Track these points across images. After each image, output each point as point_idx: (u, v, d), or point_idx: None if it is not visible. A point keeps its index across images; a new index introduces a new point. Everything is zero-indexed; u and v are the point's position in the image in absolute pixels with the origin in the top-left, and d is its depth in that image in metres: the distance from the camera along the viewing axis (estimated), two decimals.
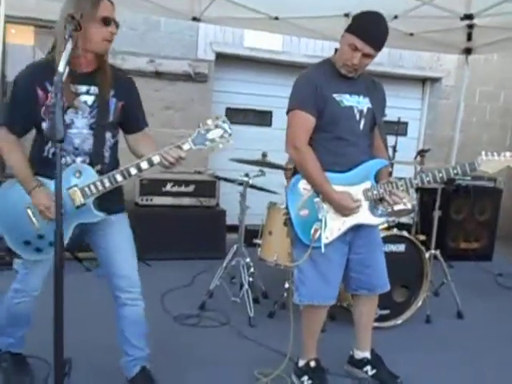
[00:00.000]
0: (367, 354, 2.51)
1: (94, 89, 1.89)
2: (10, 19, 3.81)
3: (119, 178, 1.85)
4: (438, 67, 6.08)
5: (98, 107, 1.88)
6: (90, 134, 1.89)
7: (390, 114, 5.20)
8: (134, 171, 1.85)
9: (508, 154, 2.16)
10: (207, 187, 4.56)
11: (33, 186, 1.85)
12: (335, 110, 2.18)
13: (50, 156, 1.89)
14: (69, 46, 1.53)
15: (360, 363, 2.51)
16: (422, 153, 3.96)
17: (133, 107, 2.01)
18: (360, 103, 2.24)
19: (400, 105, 5.98)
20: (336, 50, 2.26)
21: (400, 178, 2.46)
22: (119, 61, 4.79)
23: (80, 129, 1.87)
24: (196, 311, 3.20)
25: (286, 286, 3.21)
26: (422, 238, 4.00)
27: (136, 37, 4.92)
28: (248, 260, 3.33)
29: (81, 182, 1.85)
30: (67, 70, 1.50)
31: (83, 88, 1.88)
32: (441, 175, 2.16)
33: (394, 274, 3.07)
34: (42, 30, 4.70)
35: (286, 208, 2.24)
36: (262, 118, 5.63)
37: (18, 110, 1.88)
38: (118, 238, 2.03)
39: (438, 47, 4.52)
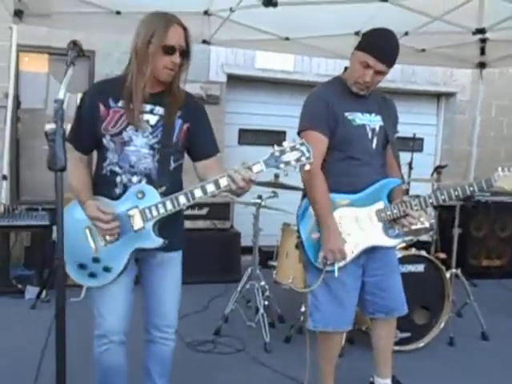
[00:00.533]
0: (388, 382, 2.41)
1: (158, 109, 1.85)
2: (22, 48, 3.90)
3: (182, 200, 1.73)
4: (452, 82, 6.03)
5: (162, 127, 1.83)
6: (149, 154, 1.83)
7: (405, 131, 5.19)
8: (198, 193, 1.71)
9: None
10: (221, 209, 4.54)
11: (86, 198, 1.77)
12: (347, 129, 2.14)
13: (108, 174, 1.83)
14: (70, 71, 1.51)
15: None
16: (438, 169, 3.88)
17: (200, 131, 1.93)
18: (372, 121, 2.20)
19: (415, 121, 5.93)
20: (346, 67, 2.24)
21: (416, 197, 2.40)
22: None
23: (138, 147, 1.82)
24: (211, 337, 3.13)
25: (303, 309, 3.12)
26: (443, 256, 3.91)
27: None
28: (263, 283, 3.27)
29: (142, 203, 1.76)
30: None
31: (147, 107, 1.82)
32: (456, 193, 2.10)
33: (414, 295, 3.00)
34: (56, 58, 4.78)
35: (298, 231, 2.19)
36: (276, 138, 5.60)
37: (81, 126, 1.84)
38: (168, 276, 1.96)
39: (451, 62, 4.49)
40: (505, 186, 2.08)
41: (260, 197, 3.32)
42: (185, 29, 1.80)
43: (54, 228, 1.52)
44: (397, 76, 5.74)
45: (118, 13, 3.43)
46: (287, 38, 4.03)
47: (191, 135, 1.89)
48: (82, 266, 1.82)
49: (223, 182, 1.67)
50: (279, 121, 5.51)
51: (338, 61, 5.09)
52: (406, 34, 3.70)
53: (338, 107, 2.13)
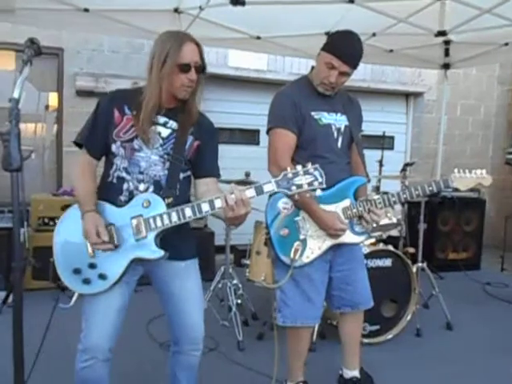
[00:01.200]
0: (356, 373, 2.47)
1: (172, 123, 1.86)
2: None
3: (188, 212, 1.70)
4: (420, 82, 6.19)
5: (174, 139, 1.84)
6: (160, 161, 1.82)
7: (376, 129, 5.34)
8: (206, 208, 1.68)
9: (479, 171, 2.22)
10: None
11: (87, 210, 1.74)
12: (314, 129, 2.18)
13: (115, 181, 1.81)
14: (26, 70, 1.48)
15: (349, 382, 2.47)
16: (406, 166, 4.00)
17: (208, 150, 1.92)
18: (338, 121, 2.26)
19: (386, 119, 6.08)
20: (313, 67, 2.29)
21: (384, 193, 2.48)
22: (102, 84, 4.82)
23: (149, 154, 1.82)
24: None
25: (275, 305, 3.17)
26: (411, 250, 4.04)
27: (119, 60, 4.95)
28: (235, 282, 3.29)
29: (147, 212, 1.73)
30: None
31: (161, 119, 1.84)
32: (417, 192, 2.20)
33: (382, 288, 3.11)
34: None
35: (266, 227, 2.22)
36: (249, 136, 5.66)
37: (95, 131, 1.85)
38: (187, 286, 1.90)
39: (418, 63, 4.61)
40: (460, 187, 2.20)
41: None
42: (198, 45, 1.82)
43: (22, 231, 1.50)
44: (367, 75, 5.87)
45: (86, 10, 3.38)
46: (258, 37, 4.05)
47: (200, 153, 1.90)
48: (76, 271, 1.77)
49: (232, 197, 1.64)
50: (253, 119, 5.52)
51: (311, 60, 5.15)
52: (374, 34, 3.78)
53: (305, 107, 2.18)
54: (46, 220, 4.06)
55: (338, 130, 2.25)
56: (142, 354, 2.84)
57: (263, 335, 3.16)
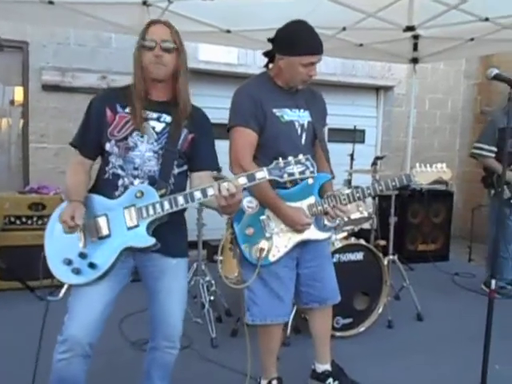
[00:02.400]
0: (328, 367, 2.50)
1: (165, 117, 1.87)
2: None
3: (181, 200, 1.73)
4: (390, 76, 6.27)
5: (167, 133, 1.85)
6: (154, 157, 1.83)
7: (347, 122, 5.38)
8: (198, 195, 1.72)
9: (439, 165, 2.26)
10: None
11: (73, 199, 1.76)
12: (276, 126, 2.16)
13: (111, 177, 1.83)
14: None
15: (322, 376, 2.49)
16: (376, 160, 4.05)
17: (203, 143, 1.93)
18: (301, 117, 2.23)
19: (356, 113, 6.13)
20: (267, 63, 2.25)
21: (356, 187, 2.50)
22: (69, 78, 4.71)
23: (143, 152, 1.83)
24: None
25: (244, 304, 3.17)
26: (383, 243, 4.10)
27: (86, 53, 4.83)
28: (208, 278, 3.28)
29: (140, 202, 1.76)
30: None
31: (154, 114, 1.86)
32: (380, 188, 2.21)
33: (355, 282, 3.15)
34: None
35: (231, 227, 2.22)
36: (221, 131, 5.60)
37: (88, 131, 1.87)
38: (173, 285, 1.93)
39: (387, 57, 4.66)
40: (422, 181, 2.25)
41: None
42: (169, 26, 1.84)
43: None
44: (338, 69, 5.90)
45: (51, 2, 3.29)
46: (228, 31, 4.02)
47: (194, 145, 1.91)
48: (66, 262, 1.77)
49: (224, 185, 1.67)
50: (224, 114, 5.33)
51: None
52: (344, 29, 3.81)
53: (266, 104, 2.15)
54: (13, 219, 3.93)
55: (302, 126, 2.23)
56: (114, 353, 2.80)
57: (237, 332, 3.15)
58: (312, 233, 2.22)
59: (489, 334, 2.08)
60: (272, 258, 2.17)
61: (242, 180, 1.70)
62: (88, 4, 3.41)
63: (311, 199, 2.21)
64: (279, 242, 2.17)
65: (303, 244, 2.24)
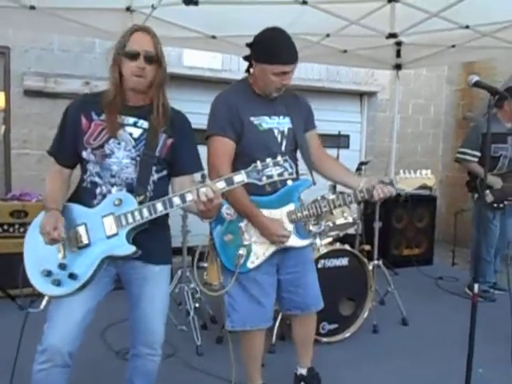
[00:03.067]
0: (304, 371, 2.51)
1: (142, 122, 1.83)
2: None
3: (160, 207, 1.71)
4: (374, 82, 6.32)
5: (146, 140, 1.81)
6: (131, 164, 1.80)
7: (332, 128, 5.40)
8: (177, 201, 1.71)
9: (424, 171, 2.22)
10: None
11: (51, 208, 1.73)
12: (254, 135, 2.15)
13: (89, 186, 1.81)
14: None
15: (296, 380, 2.52)
16: (360, 165, 4.08)
17: (183, 147, 1.90)
18: (280, 124, 2.21)
19: (341, 118, 6.17)
20: (248, 69, 2.24)
21: (341, 193, 2.50)
22: (52, 84, 4.66)
23: (120, 159, 1.79)
24: None
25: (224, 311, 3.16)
26: (368, 248, 4.12)
27: (69, 59, 4.79)
28: (193, 285, 3.25)
29: (119, 210, 1.74)
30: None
31: (131, 120, 1.82)
32: (362, 195, 2.15)
33: (340, 287, 3.16)
34: None
35: (210, 233, 2.21)
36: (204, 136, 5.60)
37: (64, 139, 1.85)
38: (156, 292, 1.91)
39: (371, 63, 4.69)
40: (406, 188, 2.21)
41: None
42: (152, 35, 1.80)
43: None
44: (323, 75, 5.94)
45: (33, 7, 3.24)
46: (214, 37, 4.02)
47: (174, 150, 1.88)
48: (46, 273, 1.74)
49: (202, 190, 1.67)
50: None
51: None
52: (328, 35, 3.83)
53: (244, 112, 2.14)
54: None
55: (282, 133, 2.21)
56: (97, 363, 2.76)
57: (222, 339, 3.13)
58: (291, 240, 2.19)
59: (472, 338, 2.09)
60: (251, 265, 2.16)
61: (221, 184, 1.69)
62: (71, 9, 3.36)
63: (291, 206, 2.19)
64: (258, 250, 2.16)
65: (284, 250, 2.23)
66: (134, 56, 1.75)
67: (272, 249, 2.18)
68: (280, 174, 1.70)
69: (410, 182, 2.20)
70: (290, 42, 2.09)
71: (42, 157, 4.64)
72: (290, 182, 2.04)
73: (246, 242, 2.16)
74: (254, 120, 2.16)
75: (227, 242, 2.17)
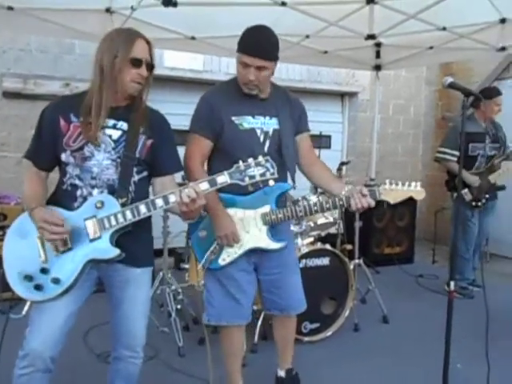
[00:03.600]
0: (282, 373, 2.53)
1: (122, 124, 1.82)
2: None
3: (143, 209, 1.71)
4: (354, 82, 6.38)
5: (125, 141, 1.80)
6: (112, 165, 1.78)
7: (313, 128, 5.38)
8: (160, 203, 1.71)
9: (413, 184, 2.15)
10: None
11: (33, 207, 1.70)
12: (234, 133, 2.15)
13: (69, 188, 1.78)
14: None
15: (277, 382, 2.53)
16: (341, 166, 4.12)
17: (163, 147, 1.90)
18: (265, 124, 2.21)
19: (322, 119, 6.20)
20: None
21: (321, 193, 2.51)
22: (31, 86, 4.60)
23: (100, 161, 1.78)
24: None
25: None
26: (349, 247, 4.17)
27: (49, 60, 4.73)
28: (174, 287, 3.24)
29: (101, 213, 1.72)
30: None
31: (110, 122, 1.80)
32: (341, 203, 2.12)
33: (321, 287, 3.19)
34: None
35: (188, 230, 2.23)
36: (186, 138, 5.57)
37: (41, 141, 1.82)
38: (137, 295, 1.90)
39: (351, 64, 4.74)
40: (389, 200, 2.14)
41: None
42: (148, 43, 1.81)
43: None
44: (304, 76, 5.98)
45: (10, 8, 3.20)
46: (193, 38, 4.02)
47: (154, 151, 1.87)
48: (27, 278, 1.71)
49: (185, 192, 1.67)
50: (189, 120, 5.50)
51: None
52: (308, 36, 3.86)
53: (225, 111, 2.15)
54: None
55: (266, 133, 2.21)
56: (78, 366, 2.74)
57: (204, 340, 3.11)
58: (264, 241, 2.19)
59: (449, 334, 2.14)
60: (222, 262, 2.16)
61: (204, 185, 1.70)
62: (50, 10, 3.33)
63: (266, 208, 2.18)
64: (229, 248, 2.16)
65: (262, 251, 2.23)
66: (138, 64, 1.76)
67: (244, 248, 2.18)
68: (262, 175, 1.72)
69: (395, 194, 2.14)
70: (262, 37, 2.08)
71: (21, 159, 4.57)
72: (271, 183, 2.01)
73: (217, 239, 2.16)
74: (236, 119, 2.16)
75: (201, 237, 2.19)
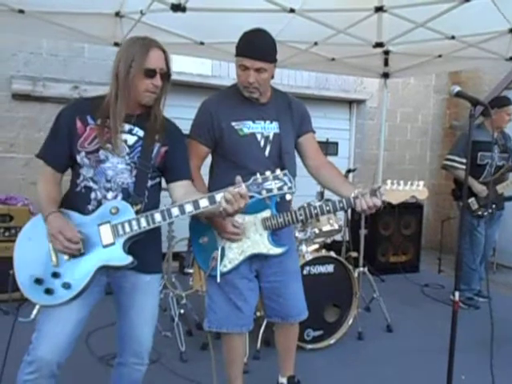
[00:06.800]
0: (284, 380, 2.51)
1: (137, 130, 1.82)
2: None
3: (158, 217, 1.70)
4: (362, 90, 6.38)
5: (140, 147, 1.81)
6: (126, 169, 1.78)
7: (320, 135, 5.40)
8: (176, 212, 1.71)
9: (415, 183, 2.06)
10: None
11: (49, 212, 1.69)
12: (234, 139, 2.15)
13: (83, 190, 1.77)
14: None
15: None
16: (348, 173, 4.11)
17: (178, 154, 1.90)
18: (266, 129, 2.19)
19: (330, 126, 6.20)
20: None
21: (327, 200, 2.49)
22: (40, 88, 4.64)
23: (115, 164, 1.78)
24: None
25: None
26: (354, 255, 4.15)
27: (58, 63, 4.77)
28: (177, 291, 3.24)
29: (115, 219, 1.71)
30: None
31: (126, 127, 1.81)
32: (341, 205, 2.07)
33: (325, 294, 3.18)
34: None
35: (189, 239, 2.22)
36: None
37: (56, 142, 1.80)
38: (146, 302, 1.89)
39: (359, 71, 4.73)
40: (391, 201, 2.04)
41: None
42: (164, 51, 1.80)
43: None
44: (312, 83, 5.99)
45: (21, 11, 3.24)
46: (202, 43, 4.04)
47: (168, 159, 1.88)
48: (38, 281, 1.70)
49: (203, 202, 1.69)
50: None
51: None
52: (316, 43, 3.87)
53: (224, 117, 2.15)
54: None
55: (266, 138, 2.19)
56: (80, 368, 2.72)
57: (207, 345, 3.10)
58: (265, 247, 2.17)
59: (453, 344, 2.11)
60: (224, 269, 2.15)
61: (218, 197, 1.70)
62: (60, 14, 3.36)
63: (267, 212, 2.16)
64: (232, 254, 2.15)
65: (264, 258, 2.21)
66: (151, 74, 1.75)
67: (245, 254, 2.16)
68: (280, 188, 1.69)
69: (396, 194, 2.03)
70: (260, 39, 2.08)
71: (30, 160, 4.62)
72: (288, 197, 1.91)
73: (219, 246, 2.15)
74: (235, 125, 2.16)
75: (203, 244, 2.18)
